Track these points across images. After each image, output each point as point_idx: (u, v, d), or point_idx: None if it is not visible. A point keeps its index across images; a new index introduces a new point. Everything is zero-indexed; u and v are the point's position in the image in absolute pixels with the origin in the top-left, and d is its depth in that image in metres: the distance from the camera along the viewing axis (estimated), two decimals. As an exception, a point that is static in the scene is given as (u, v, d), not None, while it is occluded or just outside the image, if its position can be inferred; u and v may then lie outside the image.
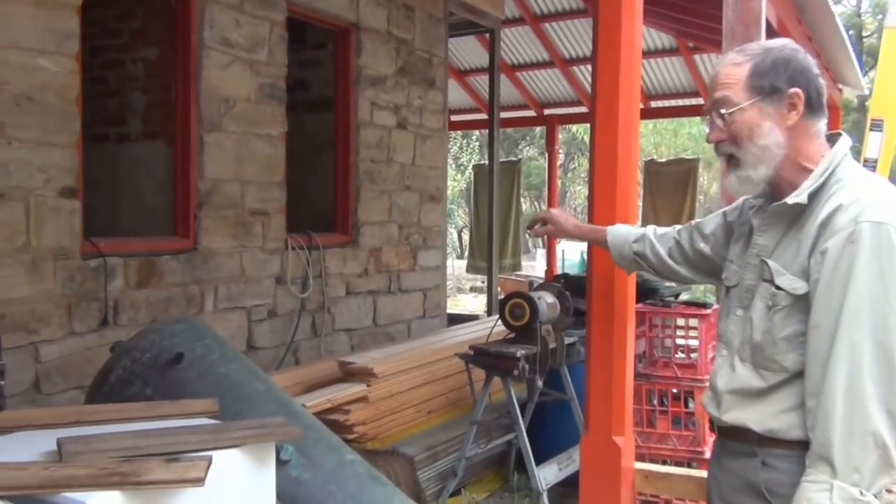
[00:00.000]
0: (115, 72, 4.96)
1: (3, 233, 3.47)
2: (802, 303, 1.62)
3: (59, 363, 3.74)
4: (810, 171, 1.66)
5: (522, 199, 14.41)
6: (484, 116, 9.36)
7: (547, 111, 11.19)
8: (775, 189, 1.73)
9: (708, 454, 3.45)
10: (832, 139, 1.72)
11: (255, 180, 4.84)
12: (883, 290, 1.52)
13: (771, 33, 4.53)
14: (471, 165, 19.06)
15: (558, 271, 11.01)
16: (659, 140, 21.25)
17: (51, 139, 3.64)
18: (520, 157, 19.33)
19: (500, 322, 4.16)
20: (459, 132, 20.35)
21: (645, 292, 4.37)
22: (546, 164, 12.11)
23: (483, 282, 11.90)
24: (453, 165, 22.40)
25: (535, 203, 25.37)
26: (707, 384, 1.91)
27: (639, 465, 2.62)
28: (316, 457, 2.44)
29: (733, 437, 1.76)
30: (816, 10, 5.19)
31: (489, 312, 7.84)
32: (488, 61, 7.85)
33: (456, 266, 16.51)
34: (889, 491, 1.83)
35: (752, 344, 1.71)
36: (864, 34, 22.90)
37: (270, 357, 4.98)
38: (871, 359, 1.51)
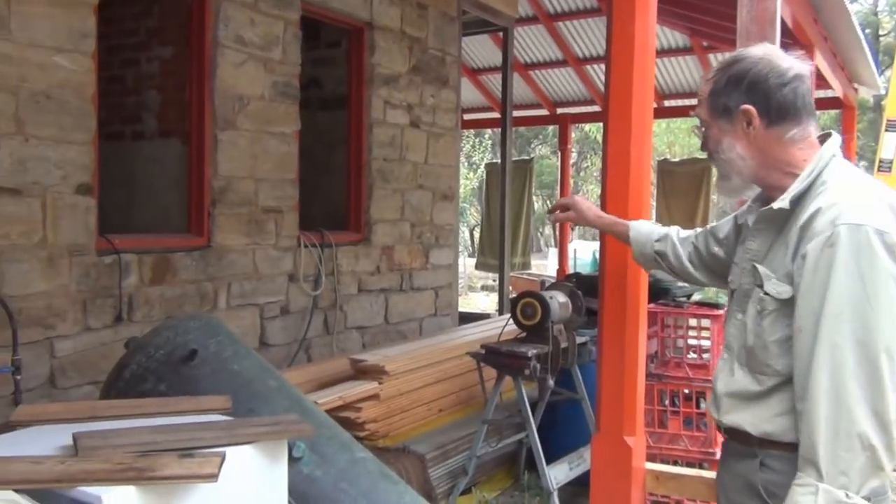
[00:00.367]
0: (131, 70, 5.01)
1: (21, 229, 3.51)
2: (788, 307, 1.63)
3: (75, 358, 3.78)
4: (796, 176, 1.69)
5: (534, 198, 14.40)
6: (497, 115, 9.35)
7: (560, 110, 11.17)
8: (768, 194, 1.76)
9: (719, 455, 3.44)
10: (824, 139, 1.74)
11: (268, 178, 4.87)
12: (862, 291, 1.52)
13: (786, 33, 4.51)
14: (483, 164, 19.05)
15: (570, 270, 10.99)
16: (672, 139, 21.16)
17: (67, 137, 3.68)
18: (532, 155, 19.30)
19: (511, 321, 4.16)
20: (472, 131, 20.34)
21: (657, 292, 4.35)
22: (558, 163, 12.09)
23: (495, 280, 11.90)
24: (466, 164, 22.39)
25: (548, 202, 25.32)
26: None
27: (650, 466, 2.62)
28: (328, 454, 2.45)
29: (735, 439, 1.78)
30: (832, 9, 5.16)
31: (501, 311, 7.84)
32: (501, 60, 7.84)
33: (468, 264, 16.50)
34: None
35: (746, 348, 1.74)
36: (880, 33, 22.70)
37: (283, 354, 5.01)
38: (854, 360, 1.51)
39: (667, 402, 3.99)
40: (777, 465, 1.67)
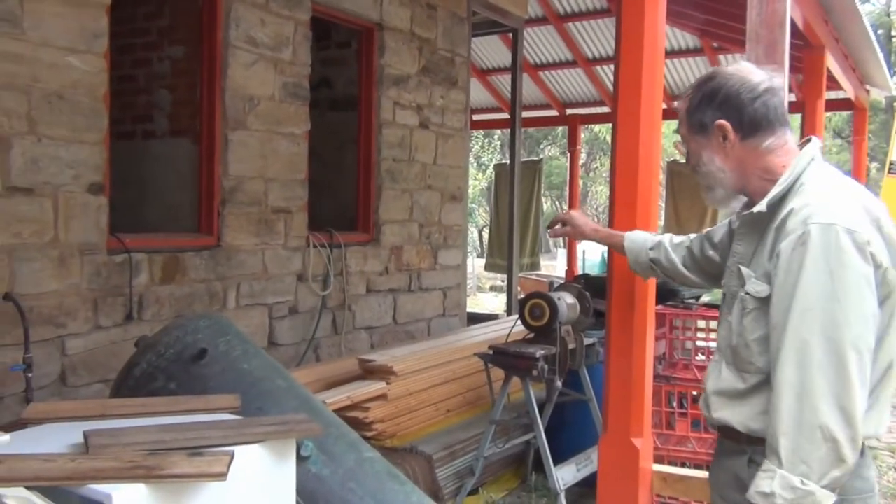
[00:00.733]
0: (142, 70, 5.03)
1: (33, 228, 3.54)
2: (766, 305, 1.70)
3: (85, 357, 3.80)
4: (776, 181, 1.76)
5: (543, 199, 14.38)
6: (506, 116, 9.35)
7: (569, 111, 11.15)
8: (753, 201, 1.83)
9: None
10: (805, 145, 1.81)
11: (278, 178, 4.89)
12: (831, 287, 1.57)
13: (797, 34, 4.50)
14: (492, 164, 19.05)
15: (579, 272, 10.98)
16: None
17: (79, 136, 3.71)
18: (541, 156, 19.27)
19: (519, 322, 4.16)
20: (481, 131, 20.34)
21: (665, 294, 4.34)
22: (567, 164, 12.07)
23: (503, 281, 11.90)
24: (474, 164, 22.39)
25: (557, 202, 25.29)
26: None
27: (657, 468, 2.62)
28: (336, 453, 2.46)
29: (725, 437, 1.85)
30: (843, 10, 5.13)
31: (509, 312, 7.84)
32: (511, 60, 7.84)
33: (476, 265, 16.50)
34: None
35: (731, 347, 1.81)
36: (892, 34, 22.54)
37: (291, 354, 5.02)
38: (821, 354, 1.57)
39: (675, 404, 3.98)
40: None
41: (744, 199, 1.88)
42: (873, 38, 6.06)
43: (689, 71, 9.80)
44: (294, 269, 5.05)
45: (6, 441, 1.89)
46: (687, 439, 3.89)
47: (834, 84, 6.78)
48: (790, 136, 1.80)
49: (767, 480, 1.60)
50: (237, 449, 1.81)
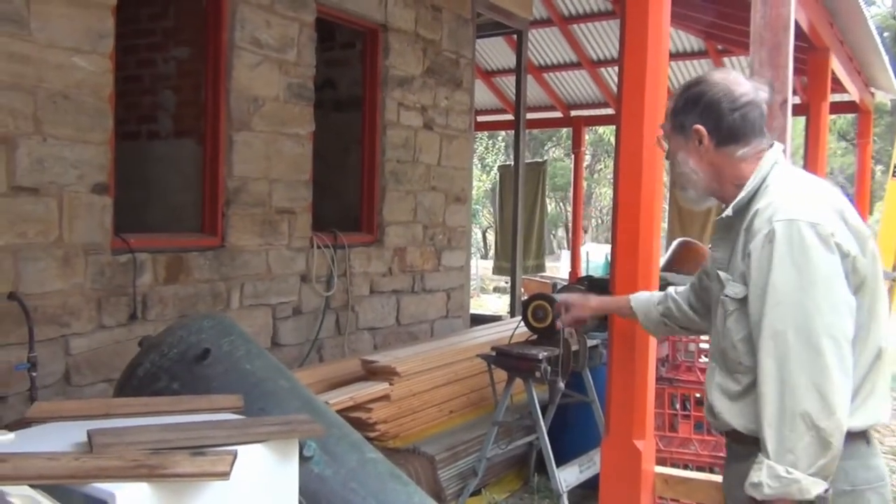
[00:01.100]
0: (148, 70, 5.05)
1: (38, 228, 3.55)
2: (746, 305, 1.76)
3: (89, 356, 3.81)
4: (743, 186, 1.84)
5: (548, 201, 14.37)
6: (510, 117, 9.37)
7: (573, 112, 11.15)
8: (725, 206, 1.91)
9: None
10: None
11: (282, 179, 4.89)
12: (799, 280, 1.64)
13: (801, 37, 4.49)
14: (496, 166, 19.05)
15: (582, 273, 10.97)
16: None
17: (84, 136, 3.72)
18: (546, 158, 19.27)
19: (522, 323, 4.16)
20: (485, 133, 20.33)
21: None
22: (572, 166, 12.07)
23: (507, 282, 11.89)
24: (479, 166, 22.39)
25: (561, 204, 25.28)
26: None
27: (659, 470, 2.62)
28: (338, 454, 2.47)
29: (733, 440, 1.89)
30: (848, 13, 5.13)
31: (512, 313, 7.84)
32: (515, 62, 7.84)
33: (480, 266, 16.50)
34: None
35: (720, 350, 1.86)
36: (898, 37, 22.46)
37: (295, 354, 5.03)
38: (796, 346, 1.63)
39: (677, 406, 3.97)
40: None
41: (712, 201, 1.96)
42: (878, 40, 6.05)
43: (694, 73, 9.79)
44: (298, 270, 5.06)
45: (10, 440, 1.90)
46: (690, 441, 3.89)
47: (839, 87, 6.77)
48: (765, 145, 1.87)
49: (756, 471, 1.65)
50: (240, 449, 1.82)
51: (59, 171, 3.62)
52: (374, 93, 5.76)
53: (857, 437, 1.71)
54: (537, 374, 3.86)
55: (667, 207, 10.39)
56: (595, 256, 14.78)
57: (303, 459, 2.23)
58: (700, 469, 3.67)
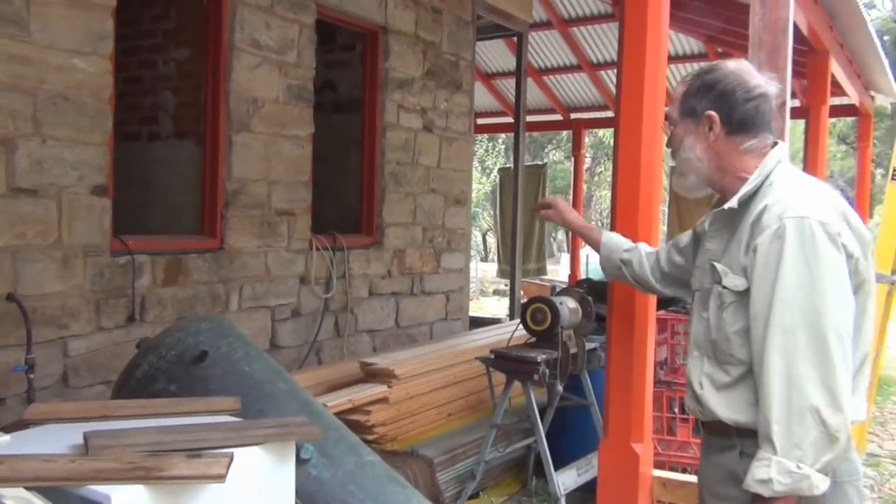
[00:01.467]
0: (148, 72, 5.05)
1: (36, 229, 3.55)
2: (745, 298, 1.77)
3: (87, 358, 3.81)
4: (747, 179, 1.85)
5: (548, 203, 14.32)
6: (510, 120, 9.37)
7: (573, 115, 11.16)
8: (722, 197, 1.92)
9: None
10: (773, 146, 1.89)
11: (281, 181, 4.89)
12: (809, 277, 1.65)
13: (801, 40, 4.49)
14: (496, 169, 19.06)
15: (582, 276, 10.96)
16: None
17: (84, 138, 3.72)
18: (546, 160, 19.28)
19: (521, 326, 4.16)
20: (485, 135, 20.35)
21: (667, 299, 4.34)
22: (572, 169, 12.08)
23: (506, 285, 11.89)
24: (478, 168, 22.40)
25: (561, 207, 25.21)
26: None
27: (657, 473, 2.62)
28: (336, 456, 2.46)
29: (715, 433, 1.88)
30: (848, 16, 5.13)
31: (511, 316, 7.83)
32: (515, 65, 7.84)
33: (479, 269, 16.49)
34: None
35: (711, 342, 1.86)
36: (899, 40, 22.47)
37: (293, 356, 5.03)
38: (805, 341, 1.64)
39: (676, 410, 3.97)
40: (755, 452, 1.72)
41: (707, 191, 1.96)
42: (878, 44, 6.05)
43: (694, 76, 9.79)
44: (297, 272, 5.06)
45: (7, 441, 1.90)
46: (688, 445, 3.88)
47: (838, 90, 6.77)
48: (769, 140, 1.88)
49: (764, 468, 1.64)
50: (237, 451, 1.81)
51: (59, 173, 3.62)
52: (373, 95, 5.76)
53: None
54: (536, 376, 3.86)
55: (666, 210, 10.40)
56: (594, 259, 14.76)
57: (300, 462, 2.23)
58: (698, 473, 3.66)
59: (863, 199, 8.66)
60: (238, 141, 4.58)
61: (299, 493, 2.10)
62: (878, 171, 18.75)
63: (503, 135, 19.87)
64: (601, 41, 9.44)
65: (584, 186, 15.24)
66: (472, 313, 7.46)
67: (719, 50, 8.95)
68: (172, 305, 4.22)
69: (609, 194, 23.97)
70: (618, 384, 2.58)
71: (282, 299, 4.94)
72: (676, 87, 1.97)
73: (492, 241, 24.01)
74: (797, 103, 8.34)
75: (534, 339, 4.11)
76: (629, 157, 2.56)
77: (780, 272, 1.67)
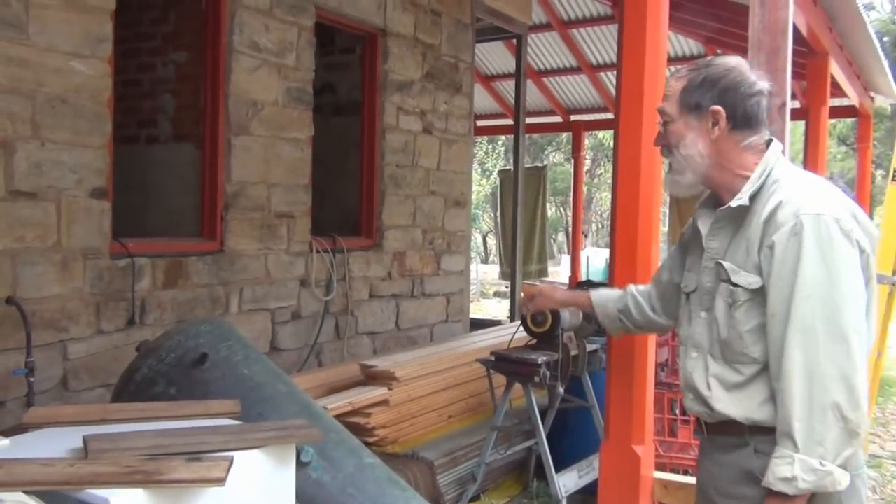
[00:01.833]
0: (147, 74, 5.05)
1: (36, 232, 3.55)
2: (759, 296, 1.75)
3: (87, 361, 3.80)
4: (747, 177, 1.82)
5: (548, 205, 14.37)
6: (510, 122, 9.36)
7: (573, 117, 11.15)
8: (718, 196, 1.89)
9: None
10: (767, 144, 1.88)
11: (281, 183, 4.89)
12: (827, 273, 1.65)
13: (800, 41, 4.49)
14: (496, 171, 19.06)
15: (582, 278, 10.96)
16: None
17: (83, 141, 3.71)
18: (545, 162, 19.27)
19: (522, 328, 4.16)
20: (485, 137, 20.35)
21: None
22: (572, 170, 12.08)
23: (506, 287, 11.89)
24: (479, 170, 22.40)
25: (561, 209, 25.29)
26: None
27: (658, 475, 2.61)
28: (336, 459, 2.46)
29: (723, 432, 1.85)
30: (847, 17, 5.13)
31: (512, 318, 7.83)
32: (515, 67, 7.85)
33: (480, 271, 16.49)
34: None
35: (720, 342, 1.83)
36: (898, 41, 22.48)
37: (293, 359, 5.02)
38: (825, 337, 1.63)
39: (677, 411, 3.97)
40: (770, 449, 1.72)
41: (699, 190, 1.92)
42: (878, 45, 6.05)
43: (694, 77, 9.79)
44: (297, 274, 5.05)
45: (5, 445, 1.89)
46: (689, 446, 3.88)
47: (838, 91, 6.77)
48: (766, 138, 1.87)
49: (787, 466, 1.63)
50: (237, 454, 1.81)
51: (58, 176, 3.61)
52: (373, 97, 5.76)
53: None
54: (536, 378, 3.85)
55: (666, 211, 10.40)
56: (595, 261, 14.78)
57: (300, 465, 2.22)
58: (700, 474, 3.66)
59: (863, 200, 8.65)
60: (237, 143, 4.58)
61: (299, 497, 2.09)
62: (879, 173, 18.74)
63: (503, 137, 19.88)
64: (601, 43, 9.43)
65: (584, 188, 15.25)
66: (472, 315, 7.46)
67: (718, 51, 8.94)
68: (172, 308, 4.22)
69: (609, 196, 23.98)
70: (619, 386, 2.57)
71: (282, 302, 4.94)
72: (669, 82, 1.91)
73: (492, 242, 24.03)
74: (797, 104, 8.33)
75: (534, 341, 4.11)
76: (629, 158, 2.56)
77: (798, 269, 1.66)
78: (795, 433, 1.62)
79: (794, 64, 3.21)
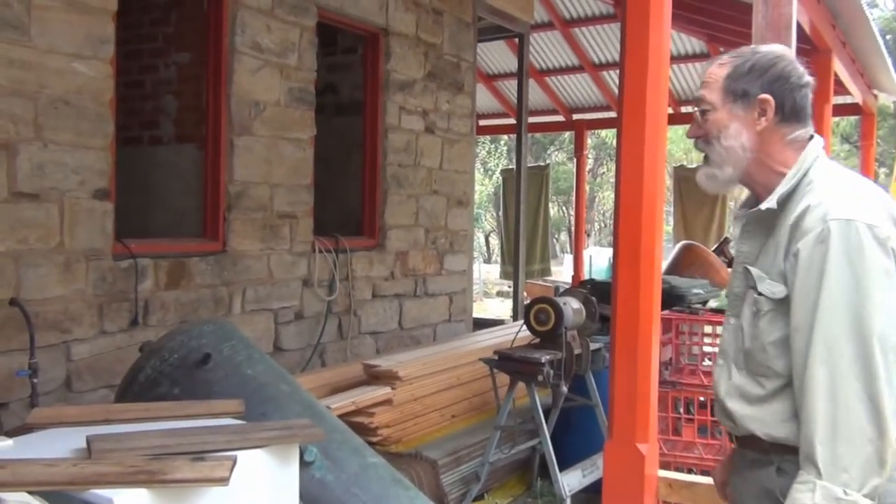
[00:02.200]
0: (149, 76, 5.06)
1: (38, 233, 3.55)
2: (784, 306, 1.61)
3: (90, 362, 3.81)
4: (784, 174, 1.68)
5: (551, 205, 14.38)
6: (512, 121, 9.36)
7: (576, 116, 11.14)
8: (756, 195, 1.76)
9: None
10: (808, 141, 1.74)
11: (283, 183, 4.89)
12: (855, 285, 1.51)
13: (803, 38, 4.48)
14: (499, 170, 19.05)
15: (585, 276, 10.95)
16: (689, 146, 21.06)
17: (85, 142, 3.72)
18: (548, 162, 19.26)
19: (525, 327, 4.15)
20: (487, 137, 20.35)
21: (672, 299, 4.33)
22: (574, 170, 12.07)
23: (509, 286, 11.89)
24: (481, 170, 22.40)
25: (564, 208, 25.27)
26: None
27: (662, 474, 2.60)
28: (339, 459, 2.46)
29: (749, 447, 1.75)
30: (851, 14, 5.12)
31: (515, 317, 7.82)
32: (517, 66, 7.85)
33: (483, 270, 16.49)
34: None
35: (744, 351, 1.71)
36: (901, 39, 22.44)
37: (296, 359, 5.02)
38: (850, 354, 1.50)
39: (681, 410, 3.96)
40: (794, 469, 1.61)
41: (733, 186, 1.79)
42: (881, 42, 6.03)
43: (696, 76, 9.78)
44: (299, 275, 5.05)
45: (10, 446, 1.89)
46: (693, 445, 3.87)
47: (841, 88, 6.75)
48: (809, 134, 1.73)
49: (808, 493, 1.50)
50: (240, 454, 1.81)
51: (60, 177, 3.62)
52: (375, 97, 5.76)
53: None
54: (540, 377, 3.85)
55: (670, 210, 10.38)
56: (598, 260, 14.76)
57: (304, 464, 2.22)
58: (704, 473, 3.65)
59: (866, 198, 8.61)
60: (240, 144, 4.58)
61: (303, 496, 2.09)
62: (882, 170, 18.70)
63: (505, 136, 19.87)
64: (603, 42, 9.42)
65: (587, 187, 15.23)
66: (475, 315, 7.46)
67: (721, 49, 8.93)
68: (175, 309, 4.22)
69: (612, 195, 23.95)
70: (622, 384, 2.57)
71: (285, 302, 4.94)
72: (710, 69, 1.76)
73: (495, 242, 24.01)
74: (800, 102, 8.29)
75: (538, 340, 4.10)
76: (632, 157, 2.55)
77: (824, 280, 1.52)
78: (818, 458, 1.49)
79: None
